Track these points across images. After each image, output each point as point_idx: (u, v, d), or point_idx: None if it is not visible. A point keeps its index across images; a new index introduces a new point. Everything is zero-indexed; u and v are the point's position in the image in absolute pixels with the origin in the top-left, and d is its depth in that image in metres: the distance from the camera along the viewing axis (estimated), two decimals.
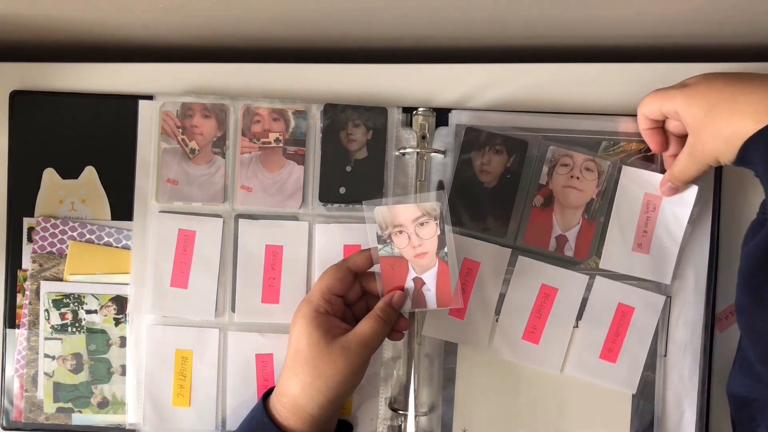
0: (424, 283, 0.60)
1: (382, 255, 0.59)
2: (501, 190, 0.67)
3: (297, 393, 0.58)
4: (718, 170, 0.67)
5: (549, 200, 0.67)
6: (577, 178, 0.66)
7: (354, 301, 0.63)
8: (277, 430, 0.58)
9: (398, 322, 0.61)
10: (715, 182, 0.67)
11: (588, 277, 0.66)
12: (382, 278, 0.60)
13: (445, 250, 0.58)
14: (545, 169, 0.67)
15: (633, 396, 0.67)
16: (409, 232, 0.58)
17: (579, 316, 0.67)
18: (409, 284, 0.60)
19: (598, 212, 0.66)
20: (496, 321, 0.66)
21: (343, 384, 0.58)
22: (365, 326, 0.59)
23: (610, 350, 0.66)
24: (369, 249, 0.61)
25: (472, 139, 0.67)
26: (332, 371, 0.58)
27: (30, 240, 0.69)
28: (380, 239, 0.58)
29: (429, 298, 0.60)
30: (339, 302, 0.61)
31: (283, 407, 0.59)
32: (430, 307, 0.61)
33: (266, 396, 0.62)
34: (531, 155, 0.67)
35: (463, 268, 0.66)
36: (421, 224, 0.58)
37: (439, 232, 0.58)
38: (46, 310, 0.69)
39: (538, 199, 0.67)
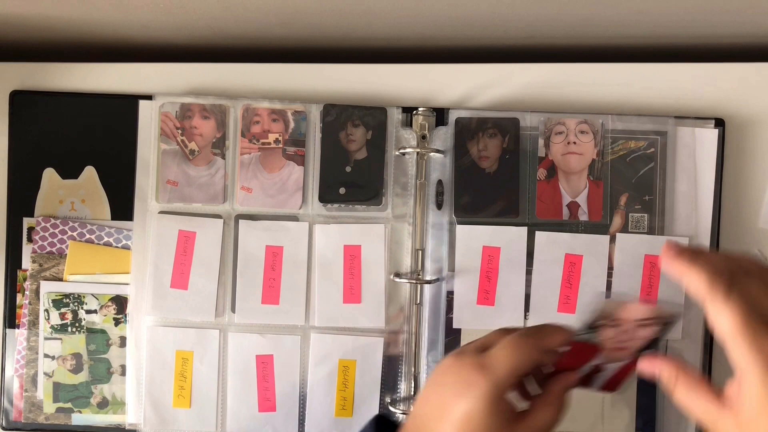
0: (602, 370, 0.55)
1: (577, 340, 0.53)
2: (503, 172, 0.67)
3: None
4: (719, 167, 0.67)
5: (552, 171, 0.67)
6: (574, 143, 0.67)
7: None
8: None
9: None
10: (716, 180, 0.67)
11: (608, 237, 0.67)
12: (565, 356, 0.54)
13: (648, 352, 0.52)
14: (541, 141, 0.67)
15: (634, 395, 0.67)
16: (624, 329, 0.53)
17: (609, 276, 0.67)
18: (585, 369, 0.54)
19: (602, 171, 0.67)
20: (527, 308, 0.67)
21: None
22: (546, 415, 0.50)
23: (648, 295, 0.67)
24: (563, 330, 0.52)
25: (464, 128, 0.67)
26: None
27: (30, 240, 0.69)
28: (588, 326, 0.53)
29: (597, 381, 0.55)
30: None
31: None
32: (593, 389, 0.56)
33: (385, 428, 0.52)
34: (524, 132, 0.67)
35: (483, 256, 0.66)
36: (643, 326, 0.53)
37: (654, 337, 0.53)
38: (46, 310, 0.69)
39: (541, 172, 0.67)
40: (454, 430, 0.47)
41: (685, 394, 0.46)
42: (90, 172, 0.70)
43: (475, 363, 0.48)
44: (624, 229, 0.67)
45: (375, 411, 0.67)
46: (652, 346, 0.54)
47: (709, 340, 0.67)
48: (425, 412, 0.49)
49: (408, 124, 0.68)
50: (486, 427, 0.46)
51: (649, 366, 0.49)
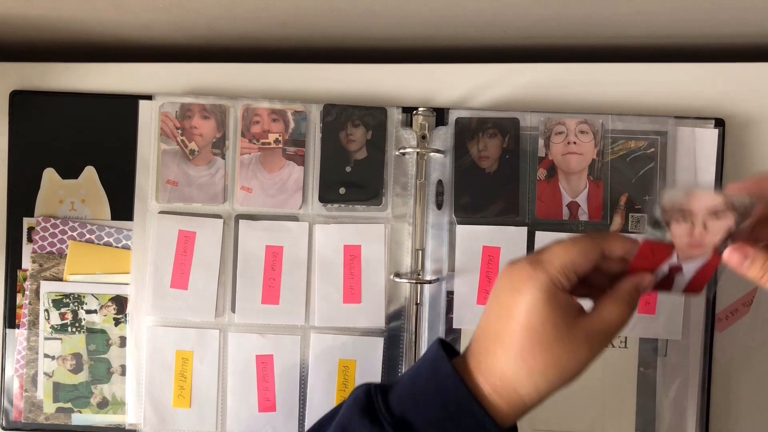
0: (680, 270, 0.53)
1: (649, 239, 0.51)
2: (503, 172, 0.67)
3: (520, 381, 0.47)
4: (719, 167, 0.67)
5: (552, 171, 0.67)
6: (574, 143, 0.67)
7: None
8: (492, 425, 0.46)
9: None
10: (716, 181, 0.67)
11: None
12: (635, 258, 0.52)
13: (728, 244, 0.50)
14: (541, 141, 0.67)
15: (636, 394, 0.67)
16: (696, 222, 0.51)
17: None
18: (662, 270, 0.52)
19: (602, 171, 0.67)
20: None
21: (575, 376, 0.47)
22: (612, 311, 0.48)
23: (647, 303, 0.66)
24: (627, 239, 0.51)
25: (464, 129, 0.67)
26: (572, 363, 0.47)
27: (30, 240, 0.69)
28: (655, 222, 0.51)
29: (678, 283, 0.53)
30: (575, 281, 0.48)
31: (495, 392, 0.47)
32: (675, 292, 0.54)
33: (447, 353, 0.49)
34: (524, 132, 0.67)
35: (483, 256, 0.66)
36: (716, 216, 0.51)
37: (732, 228, 0.50)
38: (46, 310, 0.69)
39: (541, 172, 0.67)
40: (519, 326, 0.47)
41: None
42: (90, 172, 0.70)
43: (529, 260, 0.48)
44: (624, 229, 0.67)
45: None
46: (730, 240, 0.51)
47: (709, 340, 0.67)
48: (489, 320, 0.49)
49: (408, 124, 0.68)
50: (548, 319, 0.46)
51: (737, 255, 0.48)
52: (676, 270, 0.52)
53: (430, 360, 0.49)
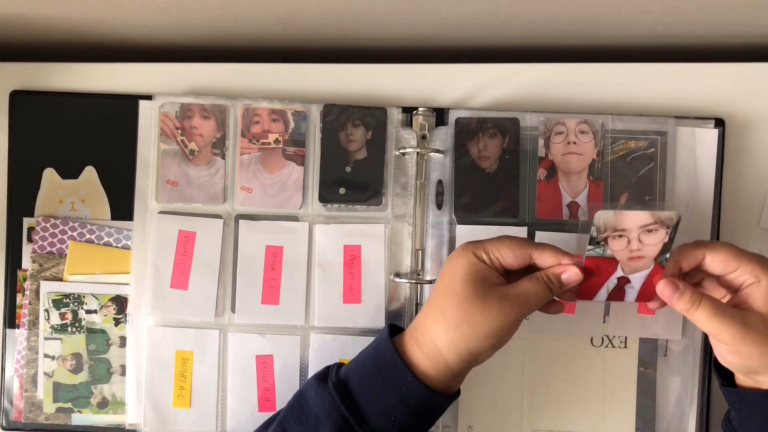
0: (629, 282, 0.57)
1: (590, 255, 0.56)
2: (503, 172, 0.67)
3: (438, 334, 0.53)
4: (719, 167, 0.67)
5: (552, 171, 0.67)
6: (574, 143, 0.67)
7: (517, 269, 0.57)
8: (413, 376, 0.53)
9: (563, 294, 0.57)
10: (716, 180, 0.67)
11: None
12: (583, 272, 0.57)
13: (666, 255, 0.55)
14: (541, 141, 0.67)
15: (636, 394, 0.67)
16: (631, 237, 0.55)
17: None
18: (612, 282, 0.57)
19: (602, 171, 0.67)
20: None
21: (490, 337, 0.53)
22: (527, 285, 0.55)
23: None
24: (561, 252, 0.56)
25: (464, 129, 0.67)
26: (483, 318, 0.53)
27: (30, 240, 0.69)
28: (593, 241, 0.55)
29: (629, 294, 0.58)
30: (501, 269, 0.56)
31: (418, 347, 0.54)
32: (628, 301, 0.58)
33: (391, 333, 0.57)
34: (524, 132, 0.67)
35: None
36: (649, 231, 0.55)
37: (666, 240, 0.54)
38: (46, 310, 0.69)
39: (541, 172, 0.67)
40: (443, 287, 0.55)
41: (708, 317, 0.53)
42: (90, 172, 0.70)
43: (465, 242, 0.57)
44: None
45: None
46: (667, 249, 0.55)
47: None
48: (432, 291, 0.57)
49: (408, 124, 0.68)
50: (466, 281, 0.54)
51: (668, 288, 0.54)
52: (624, 281, 0.57)
53: (377, 335, 0.58)
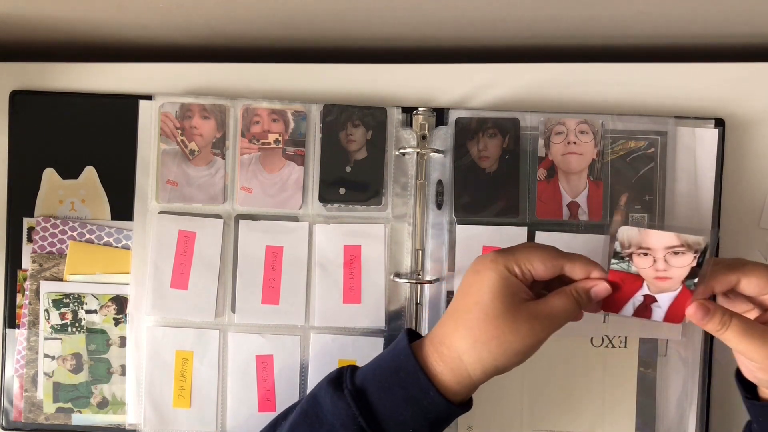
0: (656, 301, 0.56)
1: (614, 269, 0.55)
2: (503, 172, 0.67)
3: (465, 349, 0.52)
4: (719, 167, 0.67)
5: (552, 171, 0.67)
6: (574, 143, 0.67)
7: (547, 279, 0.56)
8: (435, 391, 0.52)
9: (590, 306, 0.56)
10: (716, 181, 0.67)
11: (608, 237, 0.66)
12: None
13: (695, 281, 0.54)
14: (541, 141, 0.67)
15: (636, 394, 0.67)
16: (657, 257, 0.54)
17: None
18: (638, 298, 0.56)
19: (602, 171, 0.67)
20: None
21: (517, 355, 0.52)
22: (558, 301, 0.54)
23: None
24: (591, 263, 0.55)
25: (464, 129, 0.67)
26: (513, 337, 0.52)
27: (30, 240, 0.69)
28: (617, 255, 0.55)
29: (656, 313, 0.56)
30: (530, 281, 0.55)
31: (442, 361, 0.53)
32: (655, 320, 0.57)
33: (410, 338, 0.55)
34: (524, 132, 0.67)
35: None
36: (675, 253, 0.54)
37: (694, 265, 0.54)
38: (46, 310, 0.69)
39: (541, 172, 0.67)
40: (472, 301, 0.53)
41: (738, 337, 0.52)
42: (90, 172, 0.70)
43: (494, 251, 0.55)
44: None
45: None
46: (695, 274, 0.54)
47: (709, 340, 0.67)
48: (452, 302, 0.55)
49: (408, 124, 0.68)
50: (497, 296, 0.52)
51: (699, 311, 0.53)
52: (650, 299, 0.56)
53: (394, 342, 0.56)
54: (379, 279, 0.68)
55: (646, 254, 0.54)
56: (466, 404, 0.55)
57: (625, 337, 0.67)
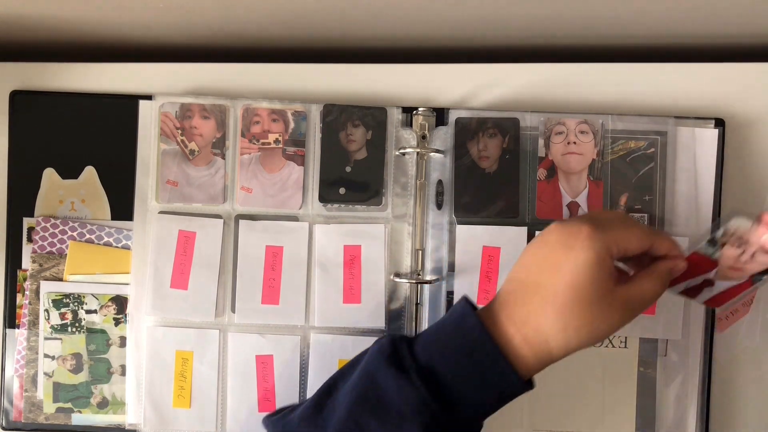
0: (711, 285, 0.56)
1: (699, 252, 0.54)
2: (503, 172, 0.67)
3: (553, 334, 0.49)
4: (719, 167, 0.67)
5: (552, 171, 0.67)
6: (574, 143, 0.67)
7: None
8: (516, 377, 0.49)
9: None
10: (716, 180, 0.67)
11: None
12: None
13: (764, 278, 0.54)
14: (541, 141, 0.67)
15: (636, 394, 0.67)
16: (748, 251, 0.53)
17: None
18: (696, 280, 0.55)
19: (602, 171, 0.67)
20: None
21: (602, 339, 0.50)
22: (649, 285, 0.52)
23: None
24: (676, 242, 0.54)
25: (464, 129, 0.67)
26: (605, 323, 0.49)
27: (30, 240, 0.69)
28: (712, 241, 0.54)
29: (702, 295, 0.56)
30: (621, 259, 0.53)
31: (527, 343, 0.49)
32: (697, 302, 0.57)
33: (470, 306, 0.51)
34: (524, 132, 0.67)
35: (483, 256, 0.66)
36: (766, 252, 0.53)
37: None
38: (46, 310, 0.69)
39: (541, 172, 0.67)
40: (564, 281, 0.49)
41: None
42: (90, 172, 0.70)
43: (585, 220, 0.50)
44: None
45: None
46: (767, 272, 0.54)
47: (709, 340, 0.67)
48: (529, 272, 0.51)
49: (408, 124, 0.68)
50: (594, 280, 0.48)
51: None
52: (707, 283, 0.55)
53: (456, 314, 0.51)
54: (379, 279, 0.68)
55: (739, 246, 0.54)
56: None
57: (625, 337, 0.67)
